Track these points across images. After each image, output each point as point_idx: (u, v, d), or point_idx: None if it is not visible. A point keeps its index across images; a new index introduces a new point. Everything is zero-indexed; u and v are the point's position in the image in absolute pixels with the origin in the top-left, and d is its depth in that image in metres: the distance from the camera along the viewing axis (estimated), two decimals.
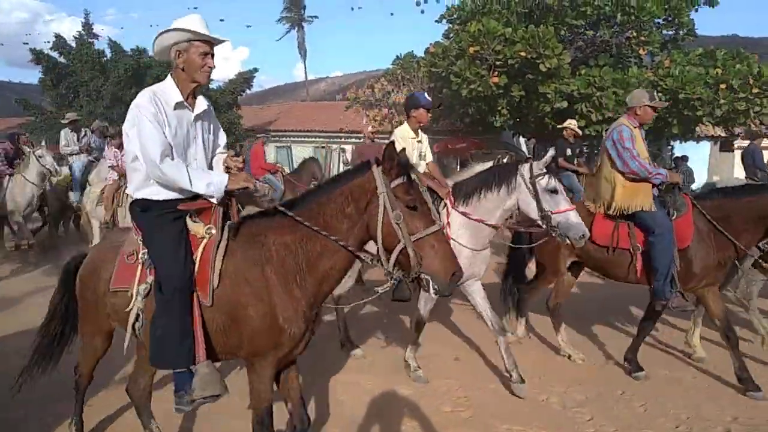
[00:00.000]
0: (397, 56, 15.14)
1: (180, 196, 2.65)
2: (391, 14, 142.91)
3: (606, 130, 10.98)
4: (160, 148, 2.49)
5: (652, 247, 4.21)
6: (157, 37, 2.65)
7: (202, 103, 2.77)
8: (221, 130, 2.97)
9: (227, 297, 2.49)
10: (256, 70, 20.13)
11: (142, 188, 2.67)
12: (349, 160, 19.18)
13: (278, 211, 2.60)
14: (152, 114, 2.52)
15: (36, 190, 8.45)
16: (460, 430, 3.55)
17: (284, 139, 21.58)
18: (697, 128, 13.27)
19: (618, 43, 12.75)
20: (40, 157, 8.26)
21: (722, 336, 4.21)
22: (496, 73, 11.05)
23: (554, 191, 3.78)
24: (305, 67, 51.03)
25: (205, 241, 2.57)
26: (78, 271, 2.99)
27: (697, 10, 13.30)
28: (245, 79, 19.84)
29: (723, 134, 13.89)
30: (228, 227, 2.64)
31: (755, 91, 10.78)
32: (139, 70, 17.56)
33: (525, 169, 3.87)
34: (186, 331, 2.46)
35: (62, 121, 8.76)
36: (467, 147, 14.90)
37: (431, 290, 2.39)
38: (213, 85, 19.61)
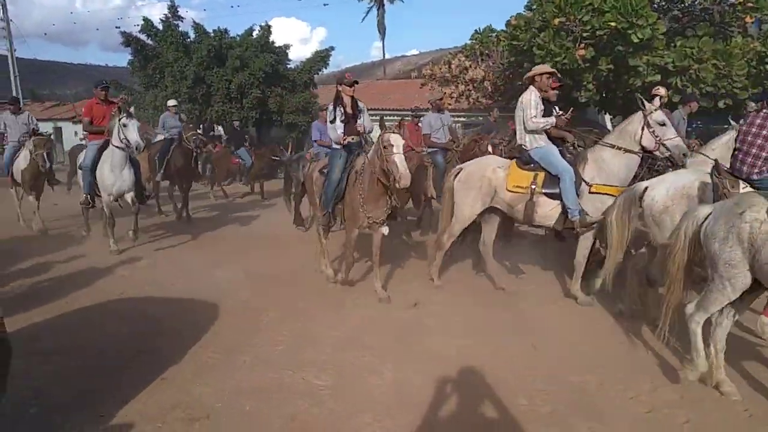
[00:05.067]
0: (476, 30, 14.61)
1: None
2: None
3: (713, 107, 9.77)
4: None
5: None
6: None
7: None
8: None
9: None
10: (332, 48, 20.08)
11: None
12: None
13: None
14: None
15: None
16: (537, 428, 3.30)
17: None
18: None
19: (720, 11, 11.64)
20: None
21: None
22: (583, 45, 10.39)
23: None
24: (383, 46, 50.76)
25: None
26: None
27: None
28: (322, 57, 19.85)
29: None
30: None
31: None
32: (221, 51, 17.99)
33: None
34: None
35: None
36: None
37: None
38: (290, 65, 19.80)
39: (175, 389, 3.81)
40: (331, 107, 5.89)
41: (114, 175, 7.31)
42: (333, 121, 5.81)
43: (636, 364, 4.16)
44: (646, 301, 4.94)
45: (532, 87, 5.68)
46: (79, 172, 7.95)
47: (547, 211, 5.54)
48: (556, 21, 10.42)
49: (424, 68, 17.33)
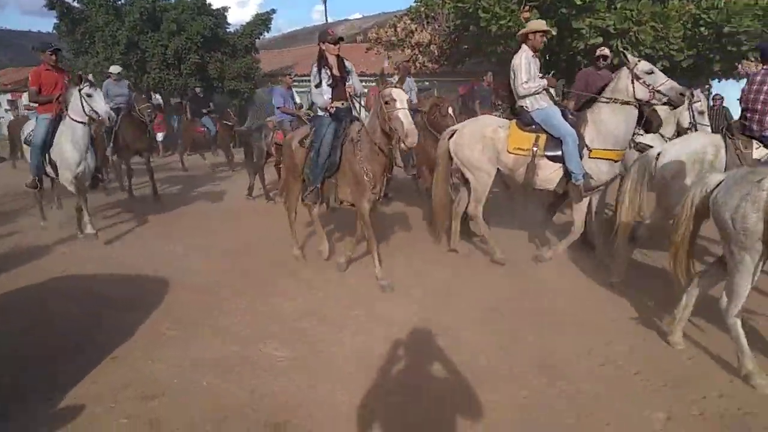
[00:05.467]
0: None
1: None
2: None
3: None
4: None
5: None
6: None
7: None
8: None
9: None
10: (274, 11, 19.35)
11: None
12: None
13: None
14: None
15: None
16: (498, 386, 3.37)
17: (304, 83, 21.05)
18: (740, 66, 12.50)
19: None
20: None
21: None
22: (527, 8, 10.44)
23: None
24: (326, 10, 49.38)
25: None
26: None
27: None
28: (263, 20, 19.15)
29: None
30: None
31: None
32: (155, 14, 17.05)
33: None
34: None
35: None
36: (495, 88, 14.21)
37: None
38: (230, 29, 19.03)
39: (128, 368, 3.68)
40: (315, 69, 5.22)
41: (78, 153, 6.44)
42: (318, 86, 5.15)
43: (592, 321, 4.29)
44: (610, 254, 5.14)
45: (524, 46, 5.39)
46: (26, 148, 7.03)
47: (549, 174, 5.35)
48: None
49: (370, 32, 17.01)
